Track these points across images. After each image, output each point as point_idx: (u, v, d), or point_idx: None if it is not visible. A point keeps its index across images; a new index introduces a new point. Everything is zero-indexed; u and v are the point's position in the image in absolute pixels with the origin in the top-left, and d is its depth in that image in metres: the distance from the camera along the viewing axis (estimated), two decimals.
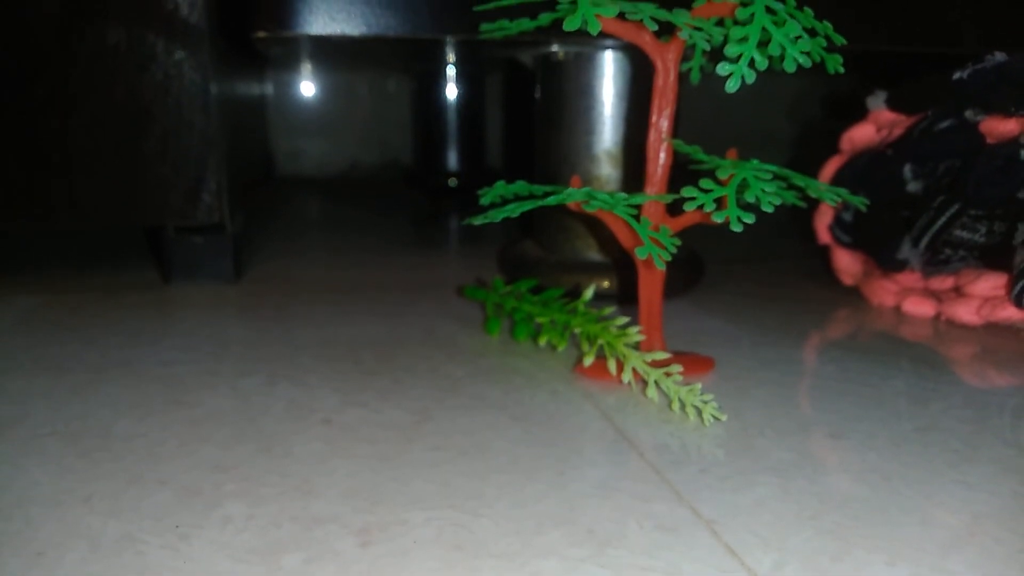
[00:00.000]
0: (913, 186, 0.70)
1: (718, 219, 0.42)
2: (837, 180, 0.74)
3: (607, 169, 0.70)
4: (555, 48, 0.70)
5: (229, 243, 0.77)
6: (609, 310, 0.55)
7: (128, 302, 0.70)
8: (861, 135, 0.75)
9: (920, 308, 0.68)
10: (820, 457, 0.41)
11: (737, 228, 0.41)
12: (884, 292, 0.71)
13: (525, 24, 0.50)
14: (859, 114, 0.76)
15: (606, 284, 0.70)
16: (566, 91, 0.70)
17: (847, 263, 0.76)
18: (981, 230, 0.66)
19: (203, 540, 0.34)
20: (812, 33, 0.44)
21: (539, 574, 0.32)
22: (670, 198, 0.48)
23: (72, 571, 0.32)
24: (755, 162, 0.45)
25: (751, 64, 0.41)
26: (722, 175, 0.44)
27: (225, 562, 0.32)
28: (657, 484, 0.38)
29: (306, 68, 1.58)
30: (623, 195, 0.46)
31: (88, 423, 0.45)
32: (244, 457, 0.41)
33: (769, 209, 0.42)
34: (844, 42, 0.44)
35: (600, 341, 0.51)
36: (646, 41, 0.47)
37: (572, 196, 0.46)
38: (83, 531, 0.34)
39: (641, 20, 0.45)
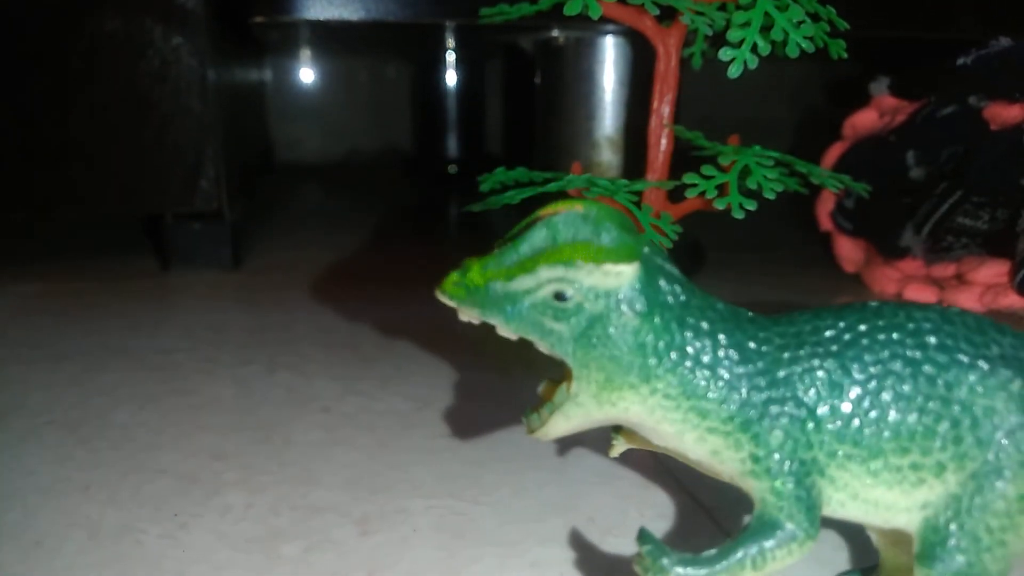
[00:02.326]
0: (916, 172, 0.70)
1: (720, 206, 0.42)
2: (839, 166, 0.74)
3: (608, 155, 0.70)
4: (555, 33, 0.69)
5: (228, 231, 0.77)
6: None
7: (126, 290, 0.70)
8: (864, 121, 0.75)
9: (922, 295, 0.67)
10: None
11: (739, 215, 0.40)
12: (886, 279, 0.71)
13: (525, 8, 0.49)
14: (862, 100, 0.75)
15: None
16: (566, 77, 0.70)
17: (849, 250, 0.76)
18: (984, 217, 0.66)
19: (202, 529, 0.34)
20: (815, 18, 0.43)
21: (540, 562, 0.31)
22: (671, 185, 0.47)
23: (70, 560, 0.31)
24: (757, 148, 0.44)
25: (753, 49, 0.41)
26: (724, 161, 0.43)
27: (224, 551, 0.32)
28: (657, 472, 0.38)
29: (305, 55, 1.57)
30: (624, 181, 0.46)
31: (86, 412, 0.45)
32: (243, 445, 0.41)
33: (771, 196, 0.41)
34: (847, 27, 0.44)
35: None
36: (647, 26, 0.47)
37: (573, 183, 0.46)
38: (82, 520, 0.34)
39: (642, 4, 0.44)
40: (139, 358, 0.53)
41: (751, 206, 0.41)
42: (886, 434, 0.24)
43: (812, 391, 0.24)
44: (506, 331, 0.25)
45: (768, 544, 0.23)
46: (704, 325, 0.24)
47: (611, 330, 0.24)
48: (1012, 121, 0.63)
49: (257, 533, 0.33)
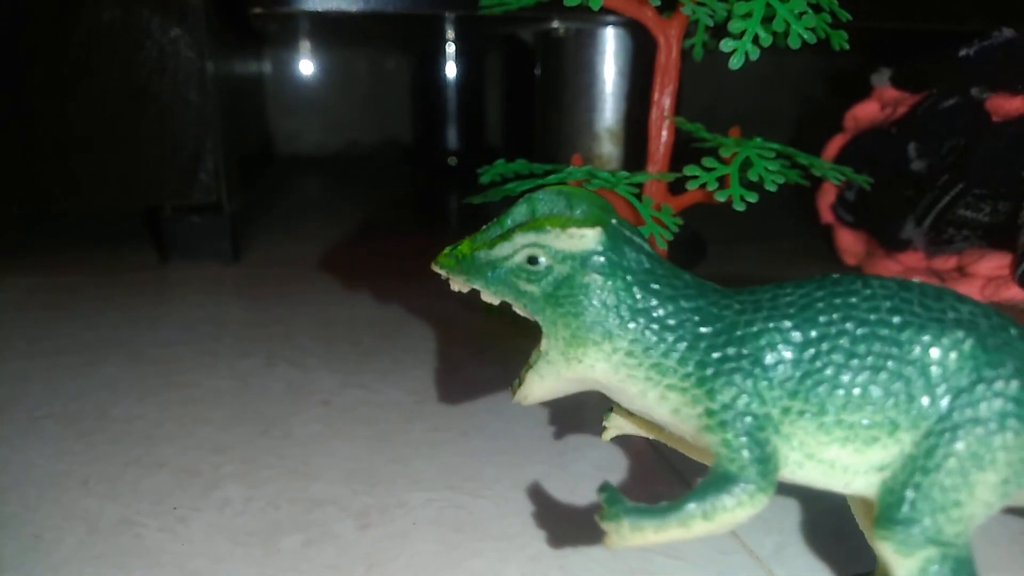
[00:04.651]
0: (917, 165, 0.69)
1: (720, 198, 0.42)
2: (841, 158, 0.73)
3: (608, 147, 0.70)
4: (556, 24, 0.69)
5: (227, 223, 0.76)
6: None
7: (126, 283, 0.70)
8: (865, 113, 0.75)
9: None
10: None
11: (740, 207, 0.40)
12: (887, 271, 0.70)
13: (525, 0, 0.49)
14: (863, 92, 0.75)
15: None
16: (567, 68, 0.70)
17: (850, 242, 0.76)
18: (985, 209, 0.66)
19: (201, 522, 0.34)
20: (817, 9, 0.43)
21: (540, 556, 0.31)
22: (672, 177, 0.47)
23: (70, 554, 0.31)
24: (758, 140, 0.44)
25: (755, 40, 0.41)
26: (725, 153, 0.43)
27: (224, 544, 0.32)
28: (658, 464, 0.38)
29: (304, 46, 1.57)
30: (624, 173, 0.45)
31: (86, 405, 0.45)
32: (243, 439, 0.41)
33: (772, 188, 0.41)
34: (849, 18, 0.44)
35: None
36: (648, 17, 0.47)
37: (573, 175, 0.46)
38: (81, 513, 0.34)
39: None
40: (138, 351, 0.53)
41: (752, 198, 0.41)
42: (839, 392, 0.24)
43: (766, 349, 0.25)
44: (488, 294, 0.27)
45: (719, 495, 0.24)
46: (667, 291, 0.26)
47: (576, 290, 0.26)
48: (1014, 113, 0.63)
49: (256, 526, 0.33)
